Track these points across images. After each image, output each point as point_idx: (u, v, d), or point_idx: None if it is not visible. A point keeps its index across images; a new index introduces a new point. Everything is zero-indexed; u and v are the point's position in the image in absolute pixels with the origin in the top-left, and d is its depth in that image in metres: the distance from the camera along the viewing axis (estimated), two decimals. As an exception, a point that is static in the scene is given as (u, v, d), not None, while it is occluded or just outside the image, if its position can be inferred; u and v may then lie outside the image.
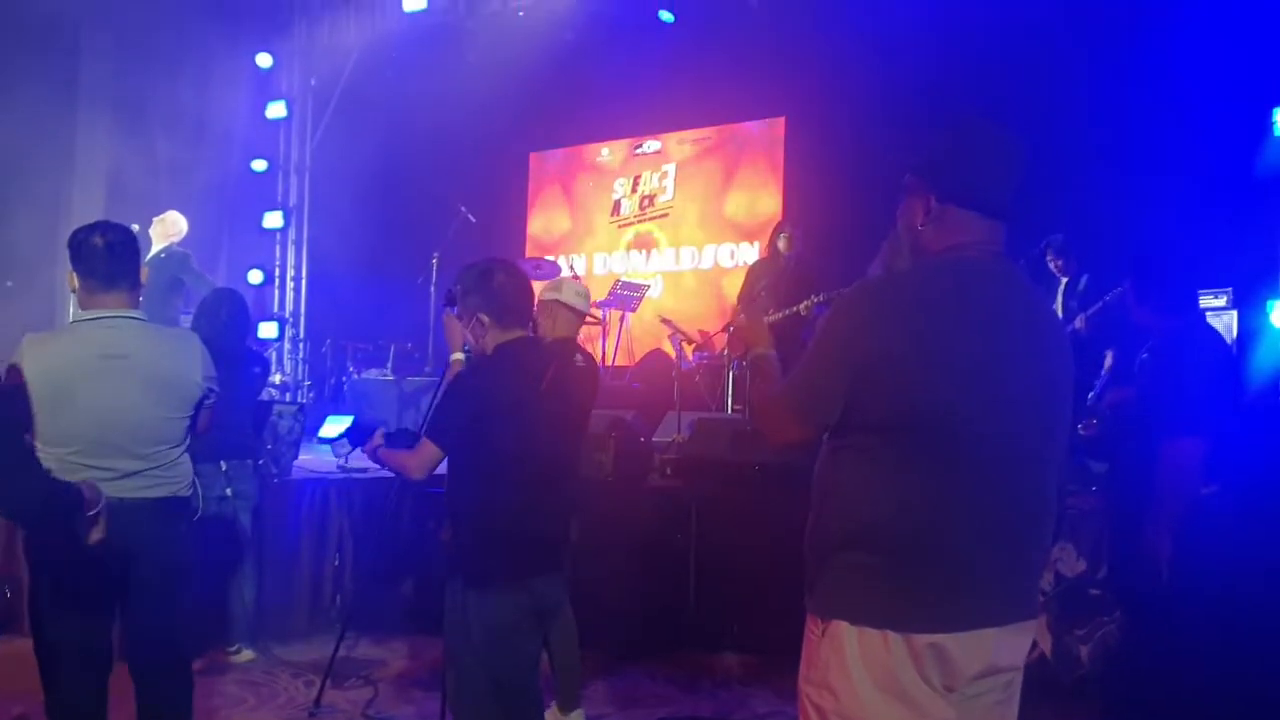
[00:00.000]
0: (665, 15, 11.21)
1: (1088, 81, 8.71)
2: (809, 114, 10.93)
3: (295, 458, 6.81)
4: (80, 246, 3.55)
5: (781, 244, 9.01)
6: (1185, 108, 7.98)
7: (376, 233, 12.00)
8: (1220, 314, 7.18)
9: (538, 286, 4.95)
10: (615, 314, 10.56)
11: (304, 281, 13.73)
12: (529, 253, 12.17)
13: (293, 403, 7.34)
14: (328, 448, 8.56)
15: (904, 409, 2.21)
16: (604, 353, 10.49)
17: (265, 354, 6.19)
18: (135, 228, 8.10)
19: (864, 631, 2.21)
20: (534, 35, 11.85)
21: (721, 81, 11.09)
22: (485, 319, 3.67)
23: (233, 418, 5.78)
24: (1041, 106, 8.75)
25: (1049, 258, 7.99)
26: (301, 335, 13.53)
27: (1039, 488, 2.32)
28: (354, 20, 12.90)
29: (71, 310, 4.59)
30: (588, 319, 5.33)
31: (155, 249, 8.34)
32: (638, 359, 10.40)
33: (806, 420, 2.37)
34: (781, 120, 11.43)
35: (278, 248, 13.60)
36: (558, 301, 5.09)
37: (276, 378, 12.04)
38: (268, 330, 12.70)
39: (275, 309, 13.37)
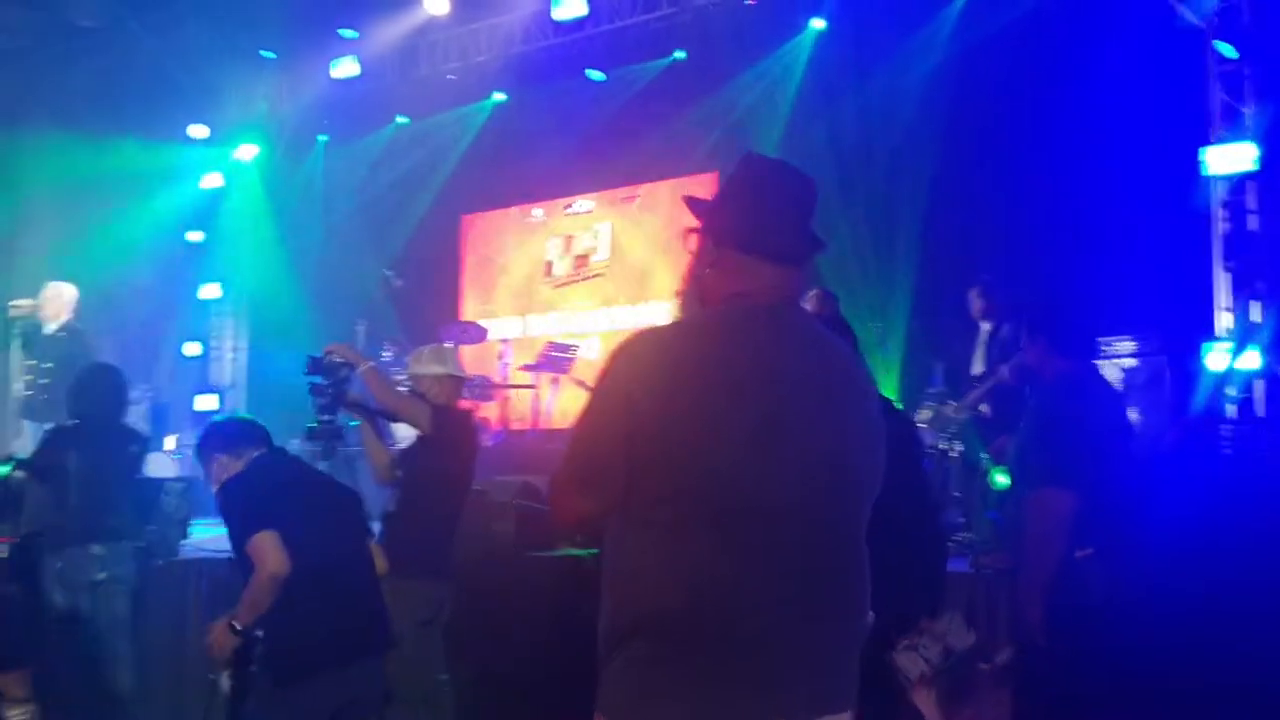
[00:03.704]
0: (594, 74, 11.13)
1: (1014, 124, 8.55)
2: (741, 169, 10.82)
3: (183, 537, 6.55)
4: None
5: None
6: (1113, 148, 7.78)
7: (310, 301, 11.84)
8: (1121, 360, 6.92)
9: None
10: (547, 376, 10.34)
11: (245, 353, 13.51)
12: (463, 316, 11.95)
13: (179, 479, 7.07)
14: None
15: (678, 477, 1.98)
16: (537, 415, 10.28)
17: (142, 431, 5.93)
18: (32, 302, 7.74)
19: None
20: (464, 97, 11.84)
21: (653, 138, 10.97)
22: (224, 459, 3.98)
23: (106, 499, 5.54)
24: (965, 148, 8.70)
25: (972, 297, 7.46)
26: (243, 408, 13.27)
27: (845, 560, 2.08)
28: (286, 88, 12.84)
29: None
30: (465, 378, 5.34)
31: (54, 326, 7.64)
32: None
33: (588, 493, 2.13)
34: (713, 176, 11.25)
35: (215, 319, 13.38)
36: (433, 376, 5.25)
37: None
38: (206, 402, 12.46)
39: (213, 380, 13.13)
